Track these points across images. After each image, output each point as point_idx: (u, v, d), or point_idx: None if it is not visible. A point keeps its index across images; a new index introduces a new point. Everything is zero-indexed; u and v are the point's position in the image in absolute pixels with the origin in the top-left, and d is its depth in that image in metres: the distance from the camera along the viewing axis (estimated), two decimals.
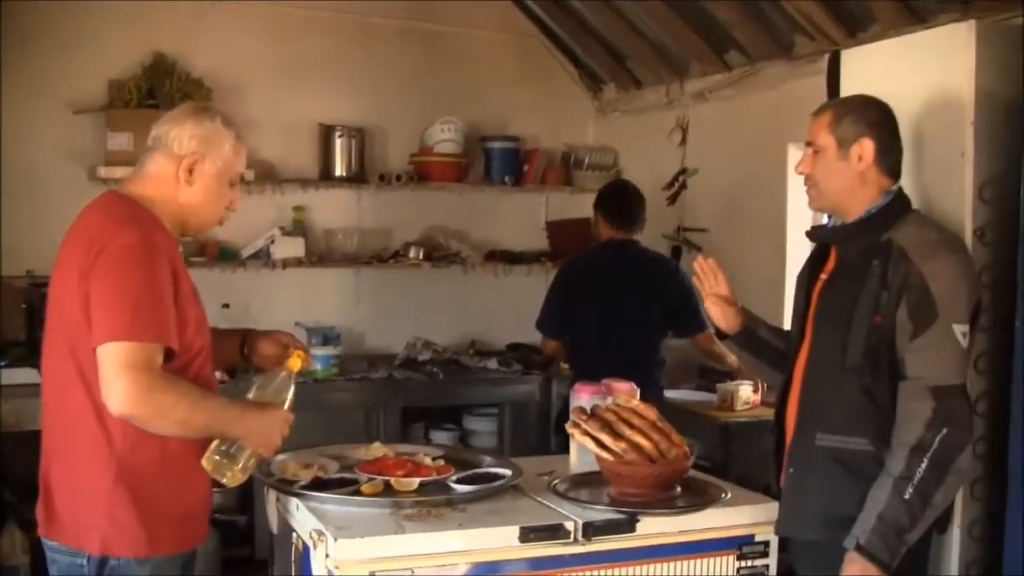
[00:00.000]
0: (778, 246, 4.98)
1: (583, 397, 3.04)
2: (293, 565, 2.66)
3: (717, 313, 2.97)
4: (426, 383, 5.56)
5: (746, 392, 4.57)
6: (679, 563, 2.66)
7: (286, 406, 2.56)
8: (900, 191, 2.66)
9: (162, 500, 2.44)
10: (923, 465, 2.40)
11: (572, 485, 2.84)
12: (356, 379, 5.47)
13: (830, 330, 2.62)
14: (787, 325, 2.95)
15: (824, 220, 2.93)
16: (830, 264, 2.73)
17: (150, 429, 2.35)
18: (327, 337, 5.51)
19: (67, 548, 2.45)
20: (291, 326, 5.32)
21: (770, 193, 5.03)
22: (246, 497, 5.07)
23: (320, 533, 2.38)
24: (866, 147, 2.61)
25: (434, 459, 2.97)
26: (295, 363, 2.62)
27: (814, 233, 2.88)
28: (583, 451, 2.93)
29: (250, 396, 2.56)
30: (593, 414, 2.76)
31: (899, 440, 2.46)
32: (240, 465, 2.45)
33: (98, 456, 2.40)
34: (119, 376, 2.28)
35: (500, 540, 2.47)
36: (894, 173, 2.66)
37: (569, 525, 2.53)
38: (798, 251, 4.96)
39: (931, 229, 2.60)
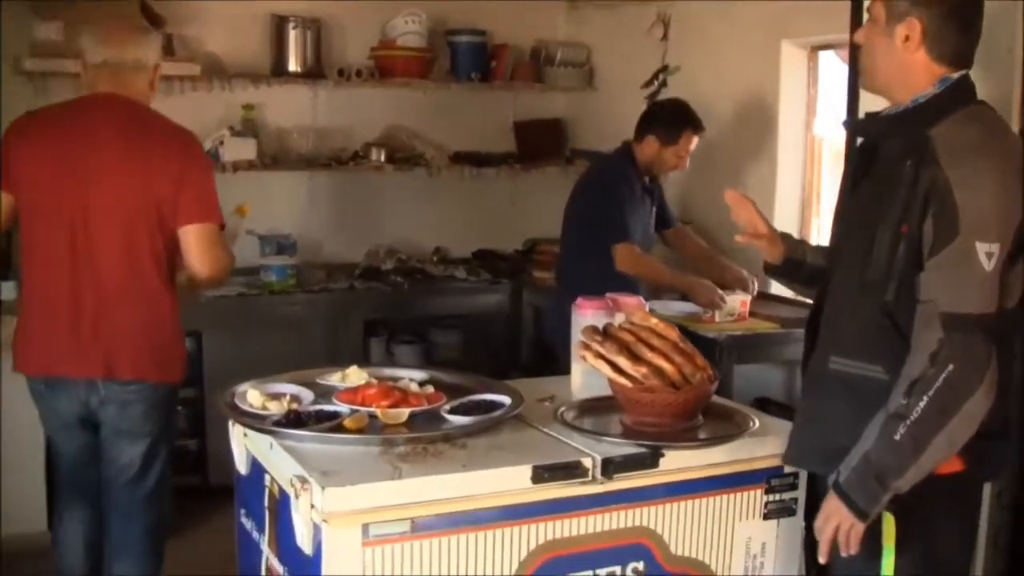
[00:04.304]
0: (769, 150, 4.65)
1: (587, 313, 2.72)
2: (267, 512, 2.33)
3: (758, 247, 2.58)
4: (389, 294, 5.23)
5: (731, 303, 4.24)
6: (703, 500, 2.38)
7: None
8: (961, 81, 2.24)
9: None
10: (922, 404, 2.06)
11: (579, 413, 2.53)
12: (314, 291, 5.13)
13: (856, 238, 2.28)
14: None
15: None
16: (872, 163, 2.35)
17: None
18: (281, 245, 5.13)
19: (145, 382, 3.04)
20: (241, 234, 4.94)
21: (761, 94, 4.68)
22: (196, 420, 4.75)
23: (303, 480, 2.05)
24: (913, 28, 2.21)
25: (421, 385, 2.64)
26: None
27: (850, 124, 2.59)
28: (588, 373, 2.63)
29: None
30: (607, 334, 2.43)
31: (905, 372, 2.13)
32: None
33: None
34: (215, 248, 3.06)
35: (511, 482, 2.15)
36: (955, 61, 2.24)
37: (587, 462, 2.22)
38: (790, 155, 4.66)
39: (977, 127, 2.19)
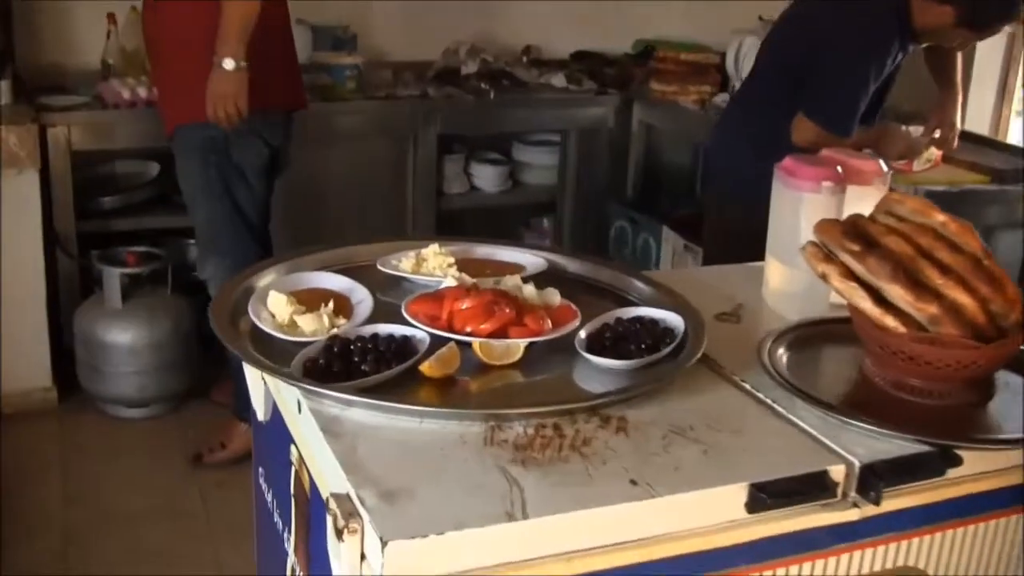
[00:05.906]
0: None
1: (804, 186, 1.72)
2: (294, 503, 1.44)
3: None
4: (471, 104, 4.27)
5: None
6: (996, 523, 1.44)
7: None
8: None
9: None
10: None
11: (790, 350, 1.59)
12: (379, 97, 4.19)
13: None
14: None
15: None
16: None
17: None
18: (339, 40, 4.26)
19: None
20: (293, 25, 3.97)
21: None
22: None
23: (351, 510, 1.13)
24: None
25: (538, 285, 1.69)
26: None
27: None
28: (794, 277, 1.69)
29: None
30: (862, 236, 1.45)
31: None
32: None
33: None
34: None
35: (712, 511, 1.22)
36: None
37: (835, 472, 1.29)
38: None
39: None
